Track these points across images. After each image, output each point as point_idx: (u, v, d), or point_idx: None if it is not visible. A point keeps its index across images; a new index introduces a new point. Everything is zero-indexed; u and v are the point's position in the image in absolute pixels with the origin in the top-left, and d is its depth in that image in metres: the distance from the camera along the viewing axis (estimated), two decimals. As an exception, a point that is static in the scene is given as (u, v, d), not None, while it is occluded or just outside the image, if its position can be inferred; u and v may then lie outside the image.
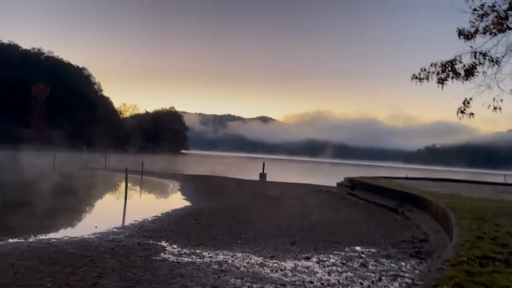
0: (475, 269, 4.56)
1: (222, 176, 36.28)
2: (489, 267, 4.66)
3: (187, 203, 17.66)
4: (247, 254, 8.24)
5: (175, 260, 7.52)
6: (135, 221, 12.28)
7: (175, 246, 8.90)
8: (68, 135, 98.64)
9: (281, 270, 7.08)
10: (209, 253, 8.23)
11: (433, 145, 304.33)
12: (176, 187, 25.00)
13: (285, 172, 60.86)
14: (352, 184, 21.74)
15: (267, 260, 7.78)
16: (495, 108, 9.15)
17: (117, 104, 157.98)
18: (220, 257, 7.96)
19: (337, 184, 23.89)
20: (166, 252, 8.36)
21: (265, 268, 7.15)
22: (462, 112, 9.66)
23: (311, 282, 6.38)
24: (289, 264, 7.51)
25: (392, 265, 7.64)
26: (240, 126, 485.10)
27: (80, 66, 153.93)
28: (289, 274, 6.84)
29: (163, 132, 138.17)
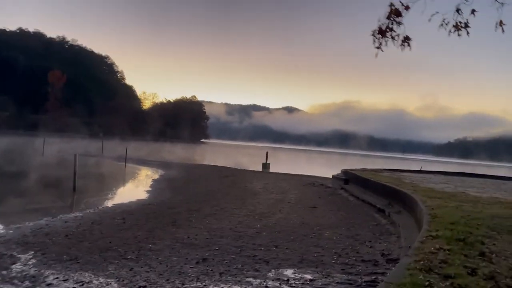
0: None
1: (221, 166, 33.84)
2: None
3: (144, 196, 15.22)
4: (109, 281, 5.61)
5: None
6: (40, 219, 9.89)
7: (34, 261, 6.42)
8: (85, 122, 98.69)
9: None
10: (58, 277, 5.68)
11: (464, 137, 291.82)
12: (153, 177, 22.61)
13: (295, 163, 57.85)
14: (346, 178, 18.72)
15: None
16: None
17: (140, 92, 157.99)
18: (64, 284, 5.39)
19: (333, 176, 20.88)
20: (9, 268, 5.88)
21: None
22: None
23: None
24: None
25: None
26: (265, 116, 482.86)
27: (103, 55, 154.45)
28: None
29: (183, 121, 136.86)
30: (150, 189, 17.57)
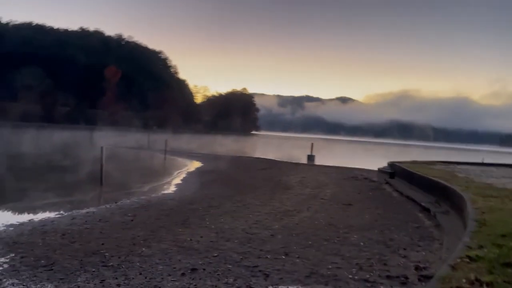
0: None
1: (263, 158, 32.85)
2: None
3: (170, 190, 14.56)
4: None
5: None
6: (50, 214, 9.42)
7: (5, 267, 5.77)
8: (139, 115, 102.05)
9: None
10: None
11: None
12: (189, 170, 22.05)
13: (344, 155, 55.41)
14: (392, 171, 16.93)
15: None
16: None
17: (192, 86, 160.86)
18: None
19: (378, 170, 19.09)
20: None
21: None
22: None
23: None
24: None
25: None
26: (318, 107, 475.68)
27: (157, 50, 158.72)
28: None
29: (233, 113, 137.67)
30: (180, 182, 16.93)
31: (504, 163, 21.71)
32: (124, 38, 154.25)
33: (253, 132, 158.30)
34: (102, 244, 7.05)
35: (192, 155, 32.37)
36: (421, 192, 12.25)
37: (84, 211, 10.20)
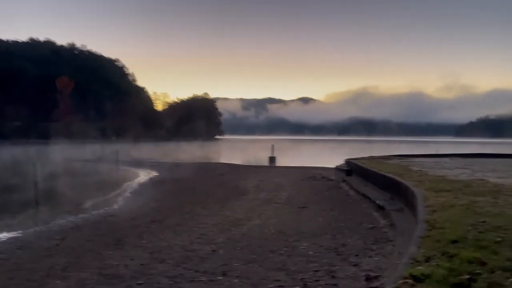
0: None
1: (222, 163, 32.05)
2: None
3: (114, 205, 13.44)
4: None
5: None
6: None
7: None
8: (97, 126, 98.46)
9: None
10: None
11: (486, 116, 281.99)
12: (141, 180, 20.84)
13: (306, 155, 55.47)
14: (348, 168, 16.56)
15: None
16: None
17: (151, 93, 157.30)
18: None
19: (335, 168, 18.71)
20: None
21: None
22: None
23: None
24: None
25: None
26: (281, 109, 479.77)
27: (113, 58, 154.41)
28: None
29: (195, 119, 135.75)
30: (128, 195, 15.79)
31: (457, 153, 21.97)
32: (77, 47, 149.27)
33: (217, 136, 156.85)
34: (10, 279, 6.00)
35: (148, 165, 31.01)
36: (377, 189, 11.84)
37: (6, 236, 9.01)
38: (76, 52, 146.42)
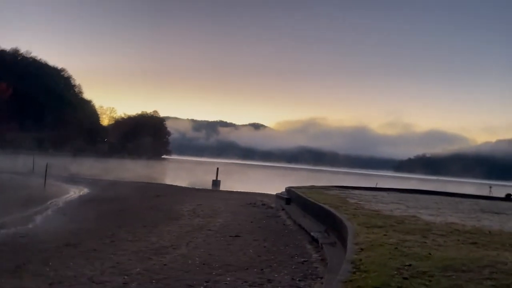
0: None
1: (162, 184, 30.85)
2: None
3: (30, 225, 12.09)
4: None
5: None
6: None
7: None
8: (35, 137, 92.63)
9: None
10: None
11: (423, 154, 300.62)
12: (69, 198, 19.29)
13: (252, 180, 55.25)
14: (288, 197, 16.31)
15: None
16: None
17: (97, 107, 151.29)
18: None
19: (276, 195, 18.43)
20: None
21: None
22: None
23: None
24: None
25: None
26: (231, 133, 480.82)
27: (59, 68, 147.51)
28: None
29: (142, 137, 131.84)
30: (49, 213, 14.40)
31: (394, 188, 22.59)
32: (21, 53, 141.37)
33: (164, 156, 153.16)
34: None
35: (83, 181, 29.12)
36: (314, 220, 11.57)
37: None
38: (19, 58, 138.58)
